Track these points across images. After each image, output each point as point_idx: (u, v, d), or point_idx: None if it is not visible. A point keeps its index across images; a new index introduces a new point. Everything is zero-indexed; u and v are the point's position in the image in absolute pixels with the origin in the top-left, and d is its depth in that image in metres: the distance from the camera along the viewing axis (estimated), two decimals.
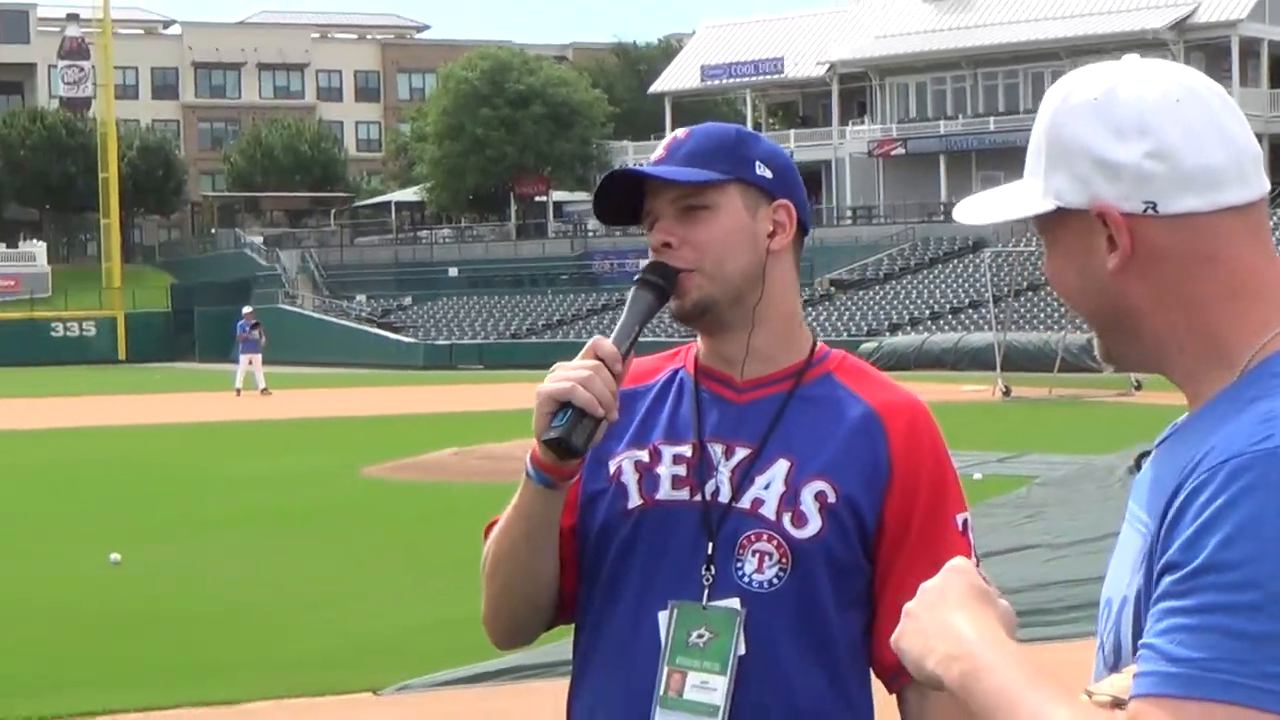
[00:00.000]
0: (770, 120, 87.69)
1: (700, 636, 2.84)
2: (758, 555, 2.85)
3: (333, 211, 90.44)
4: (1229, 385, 1.85)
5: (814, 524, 2.85)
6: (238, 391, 44.13)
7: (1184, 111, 1.88)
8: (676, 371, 3.04)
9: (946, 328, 56.41)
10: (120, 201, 76.33)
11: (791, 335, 2.99)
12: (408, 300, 73.43)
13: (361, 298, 74.20)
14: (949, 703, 2.56)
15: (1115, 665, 1.89)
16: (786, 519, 2.85)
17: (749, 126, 43.70)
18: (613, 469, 2.94)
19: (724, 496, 2.87)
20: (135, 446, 29.64)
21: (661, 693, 2.84)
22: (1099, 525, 16.58)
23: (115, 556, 15.65)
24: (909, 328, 58.51)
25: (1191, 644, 1.67)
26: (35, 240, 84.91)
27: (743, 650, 2.83)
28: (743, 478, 2.88)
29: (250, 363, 45.57)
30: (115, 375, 58.78)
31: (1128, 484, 19.82)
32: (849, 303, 64.69)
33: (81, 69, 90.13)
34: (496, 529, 2.91)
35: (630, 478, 2.91)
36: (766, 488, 2.87)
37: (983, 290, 51.14)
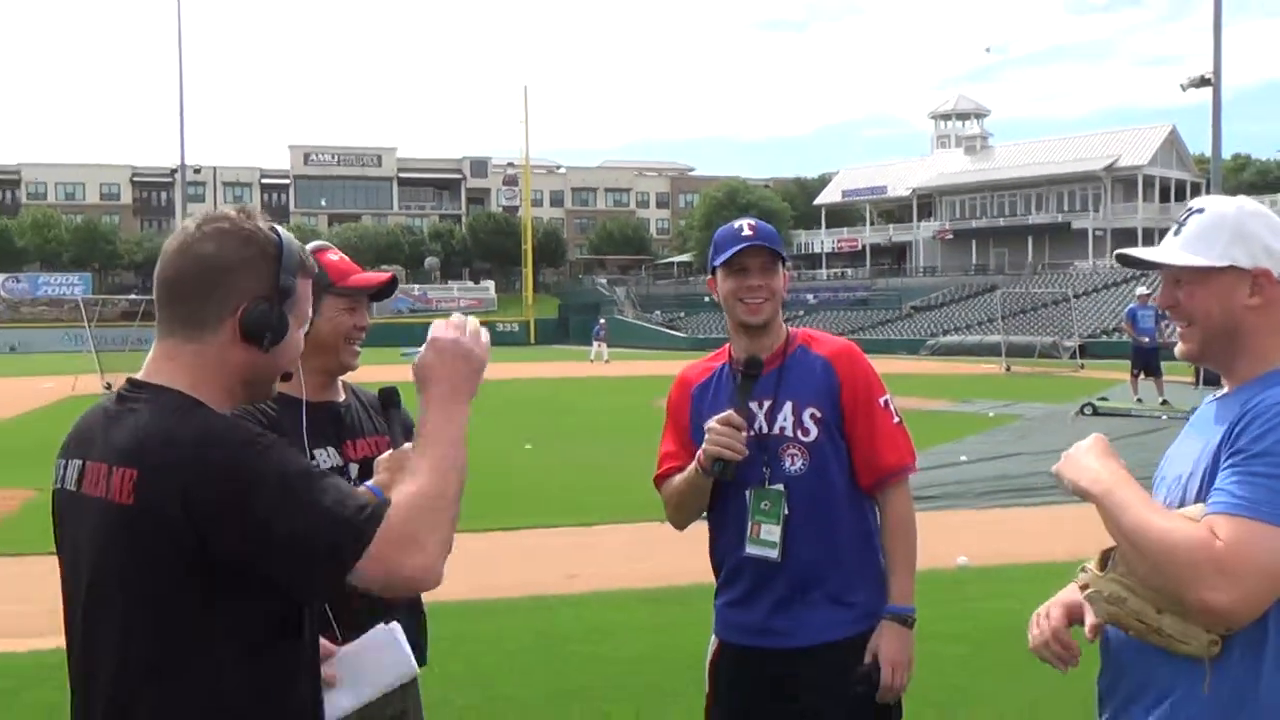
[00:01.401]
0: (879, 219, 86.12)
1: (765, 505, 2.96)
2: (790, 456, 2.95)
3: (643, 266, 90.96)
4: (1265, 373, 1.93)
5: (815, 432, 2.95)
6: (591, 361, 44.59)
7: None
8: (722, 367, 3.10)
9: (975, 332, 54.99)
10: (533, 260, 77.90)
11: (781, 331, 3.06)
12: (682, 314, 73.48)
13: (658, 312, 74.52)
14: (902, 495, 3.05)
15: (1180, 506, 1.96)
16: (799, 433, 2.95)
17: (866, 227, 43.17)
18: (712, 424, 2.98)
19: (764, 429, 2.96)
20: (539, 388, 30.13)
21: (749, 535, 2.96)
22: (1059, 443, 15.78)
23: (528, 445, 16.07)
24: (954, 333, 57.15)
25: (1249, 490, 1.78)
26: (488, 280, 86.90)
27: (787, 511, 2.92)
28: (770, 416, 2.97)
29: (599, 346, 46.16)
30: (528, 352, 59.86)
31: (1078, 420, 19.33)
32: (922, 319, 63.37)
33: (514, 191, 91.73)
34: (676, 488, 3.05)
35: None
36: (785, 419, 2.96)
37: (994, 312, 49.76)
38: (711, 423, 2.86)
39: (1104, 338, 45.80)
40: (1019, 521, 10.28)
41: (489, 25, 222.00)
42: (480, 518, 10.04)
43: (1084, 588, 1.98)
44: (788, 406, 2.95)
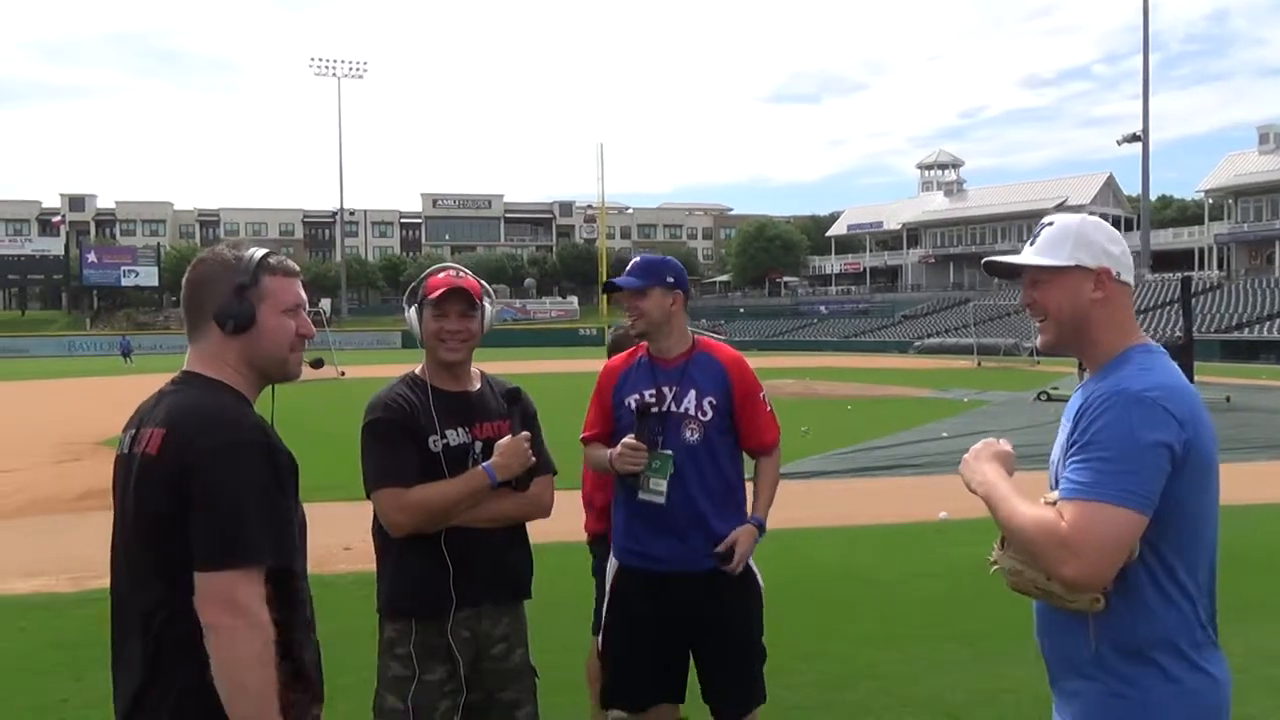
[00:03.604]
0: (877, 247, 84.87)
1: (657, 464, 2.94)
2: (690, 430, 2.96)
3: (693, 285, 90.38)
4: (1108, 363, 1.85)
5: (710, 415, 2.97)
6: None
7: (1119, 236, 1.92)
8: (639, 357, 3.09)
9: (952, 336, 54.27)
10: (606, 277, 77.15)
11: (685, 337, 3.06)
12: (722, 321, 73.03)
13: (704, 320, 73.76)
14: (773, 458, 3.09)
15: (1055, 487, 1.87)
16: (699, 414, 2.97)
17: (866, 254, 42.19)
18: (629, 402, 3.01)
19: (672, 407, 2.98)
20: None
21: (640, 486, 2.96)
22: (1021, 422, 15.74)
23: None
24: (936, 336, 56.45)
25: (1085, 475, 1.71)
26: (572, 296, 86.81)
27: (672, 470, 2.94)
28: (678, 398, 2.98)
29: None
30: (603, 350, 59.77)
31: (1036, 405, 18.97)
32: (910, 325, 62.59)
33: (592, 227, 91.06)
34: (597, 460, 3.07)
35: (634, 404, 3.00)
36: (690, 403, 2.97)
37: (968, 319, 49.10)
38: (621, 447, 2.91)
39: None
40: None
41: (574, 94, 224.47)
42: (568, 478, 10.06)
43: (993, 563, 1.90)
44: (692, 393, 2.97)
